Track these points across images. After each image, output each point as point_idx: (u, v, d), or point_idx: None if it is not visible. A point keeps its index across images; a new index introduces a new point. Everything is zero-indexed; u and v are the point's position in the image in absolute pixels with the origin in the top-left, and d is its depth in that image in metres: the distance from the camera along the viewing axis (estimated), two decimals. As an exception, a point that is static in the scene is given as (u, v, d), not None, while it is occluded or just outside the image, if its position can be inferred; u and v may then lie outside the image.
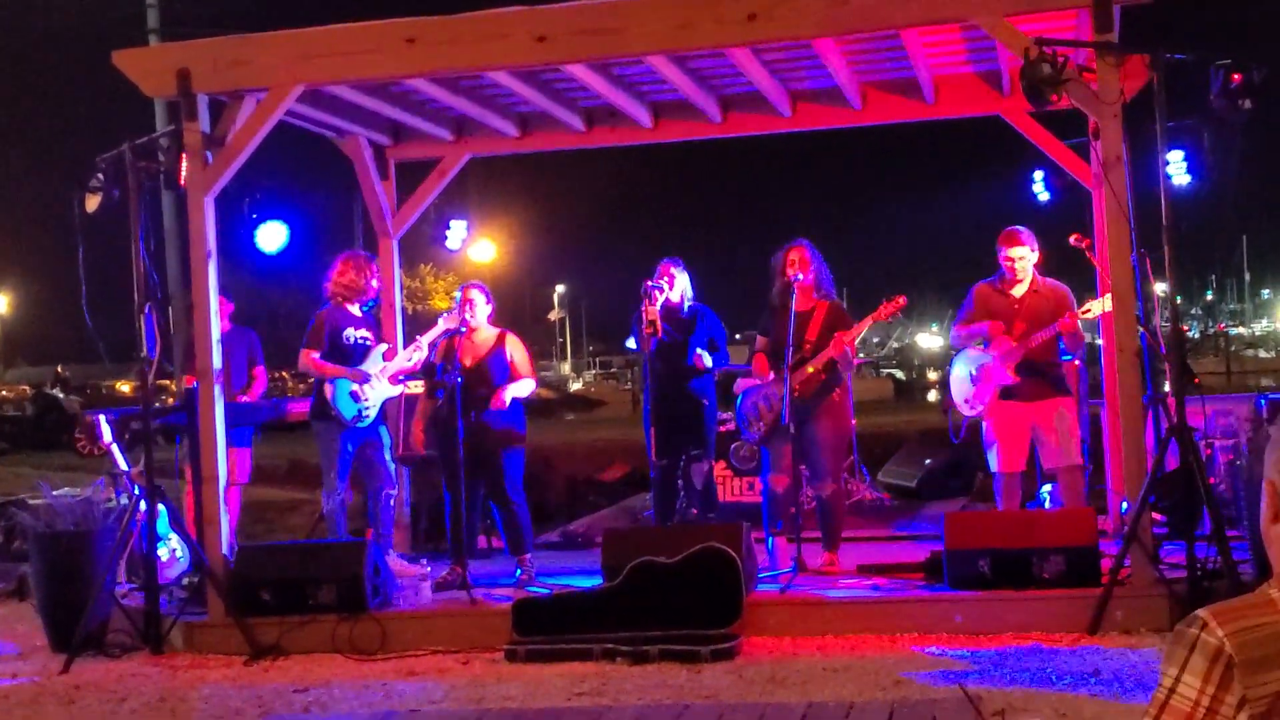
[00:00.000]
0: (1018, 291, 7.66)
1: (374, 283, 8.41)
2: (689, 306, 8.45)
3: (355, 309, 8.34)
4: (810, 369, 7.58)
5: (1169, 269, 6.60)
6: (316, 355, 8.10)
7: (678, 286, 8.38)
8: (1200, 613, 1.86)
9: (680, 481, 8.57)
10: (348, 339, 8.20)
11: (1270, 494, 1.98)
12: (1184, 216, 6.72)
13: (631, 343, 8.35)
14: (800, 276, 7.67)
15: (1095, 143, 6.82)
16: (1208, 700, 1.81)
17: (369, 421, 8.15)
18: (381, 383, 8.22)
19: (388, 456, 8.35)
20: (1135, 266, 6.64)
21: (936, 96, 8.86)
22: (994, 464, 7.73)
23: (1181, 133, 8.01)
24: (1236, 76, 6.35)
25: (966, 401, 7.81)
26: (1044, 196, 9.67)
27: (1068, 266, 7.87)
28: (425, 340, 8.27)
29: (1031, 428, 7.61)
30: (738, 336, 11.78)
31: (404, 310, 9.76)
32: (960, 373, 7.84)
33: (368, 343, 8.30)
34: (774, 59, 8.25)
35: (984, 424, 7.75)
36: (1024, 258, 7.61)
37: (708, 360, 8.24)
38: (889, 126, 9.66)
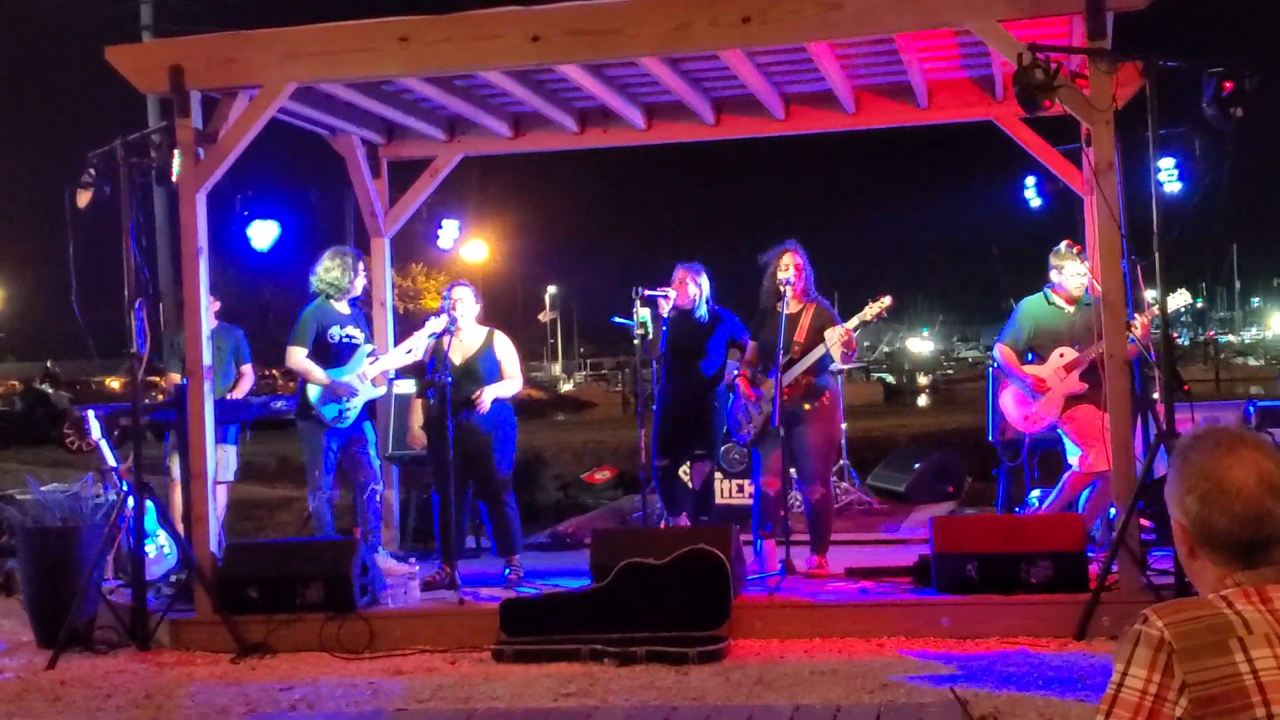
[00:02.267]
0: (1073, 307, 7.66)
1: (360, 280, 8.38)
2: (706, 311, 8.54)
3: (343, 306, 8.32)
4: (798, 371, 7.59)
5: (1159, 276, 6.61)
6: (304, 353, 8.09)
7: (690, 293, 8.47)
8: (1145, 610, 2.00)
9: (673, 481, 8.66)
10: (333, 337, 8.18)
11: (1179, 532, 2.08)
12: (1175, 224, 6.72)
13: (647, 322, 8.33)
14: (792, 279, 7.68)
15: (1087, 149, 6.83)
16: (1154, 688, 1.94)
17: (349, 422, 8.14)
18: (365, 385, 8.21)
19: (373, 453, 8.34)
20: (1126, 273, 6.65)
21: (929, 101, 8.87)
22: (1083, 464, 7.57)
23: (1173, 140, 8.03)
24: (1228, 84, 6.35)
25: (1028, 418, 7.78)
26: (1035, 202, 9.71)
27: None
28: (420, 338, 8.27)
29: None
30: (729, 339, 11.80)
31: (395, 310, 9.75)
32: (1017, 389, 7.80)
33: (354, 341, 8.27)
34: (768, 62, 8.26)
35: (1063, 430, 7.66)
36: (1087, 275, 7.62)
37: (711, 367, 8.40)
38: (882, 131, 9.66)
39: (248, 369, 9.42)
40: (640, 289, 8.37)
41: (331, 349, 8.15)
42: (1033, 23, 7.11)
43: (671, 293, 8.40)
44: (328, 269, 8.25)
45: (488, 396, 7.76)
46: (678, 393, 8.48)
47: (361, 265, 8.44)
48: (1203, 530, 2.06)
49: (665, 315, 8.36)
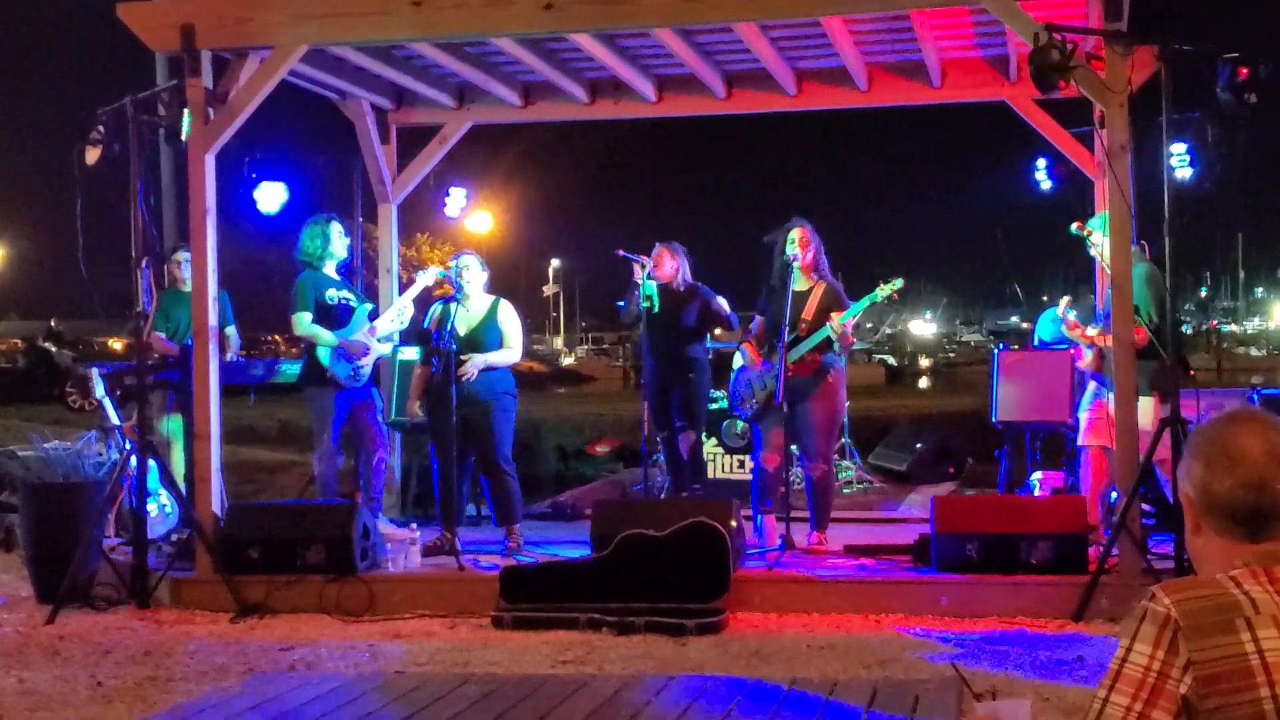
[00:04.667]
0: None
1: (343, 243, 8.35)
2: (682, 284, 8.53)
3: (331, 271, 8.30)
4: (805, 349, 7.58)
5: (1168, 261, 6.60)
6: (309, 318, 8.07)
7: (668, 268, 8.47)
8: (1152, 587, 1.98)
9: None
10: (331, 300, 8.17)
11: (1187, 506, 2.05)
12: (1185, 209, 6.70)
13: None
14: (799, 256, 7.66)
15: (1100, 131, 6.81)
16: (1158, 665, 1.92)
17: (363, 381, 8.16)
18: (372, 341, 8.23)
19: (381, 419, 8.35)
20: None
21: (943, 80, 8.84)
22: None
23: (1185, 125, 8.00)
24: (1243, 70, 6.33)
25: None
26: (1046, 185, 9.66)
27: (1068, 254, 7.87)
28: (408, 298, 8.32)
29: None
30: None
31: (400, 278, 9.73)
32: None
33: (349, 303, 8.27)
34: (781, 36, 8.23)
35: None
36: None
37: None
38: (893, 109, 9.64)
39: (231, 331, 9.29)
40: (619, 251, 8.43)
41: (331, 311, 8.14)
42: (1049, 2, 7.08)
43: (648, 261, 8.39)
44: (310, 235, 8.25)
45: (474, 365, 7.75)
46: (661, 367, 8.56)
47: (343, 229, 8.41)
48: (1205, 496, 2.02)
49: (638, 282, 8.36)
